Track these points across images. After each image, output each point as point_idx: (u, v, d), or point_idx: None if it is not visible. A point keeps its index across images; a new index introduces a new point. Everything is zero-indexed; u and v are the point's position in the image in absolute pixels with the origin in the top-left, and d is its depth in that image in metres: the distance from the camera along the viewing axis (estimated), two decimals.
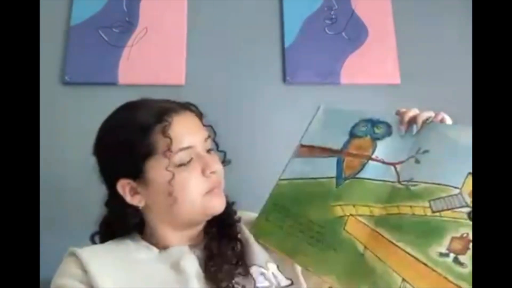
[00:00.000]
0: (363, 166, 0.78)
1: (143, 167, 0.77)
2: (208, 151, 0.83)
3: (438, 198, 0.66)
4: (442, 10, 1.50)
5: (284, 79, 1.41)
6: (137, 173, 0.78)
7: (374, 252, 0.67)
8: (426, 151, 0.73)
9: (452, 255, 0.60)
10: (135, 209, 0.81)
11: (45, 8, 1.36)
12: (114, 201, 0.81)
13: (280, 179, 0.88)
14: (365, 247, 0.69)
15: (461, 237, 0.60)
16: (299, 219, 0.79)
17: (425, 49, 1.46)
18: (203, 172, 0.79)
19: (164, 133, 0.76)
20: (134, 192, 0.79)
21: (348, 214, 0.74)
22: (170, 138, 0.76)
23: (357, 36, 1.45)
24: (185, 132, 0.79)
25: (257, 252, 0.83)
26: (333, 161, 0.82)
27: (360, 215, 0.73)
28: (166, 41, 1.39)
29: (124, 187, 0.79)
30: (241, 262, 0.81)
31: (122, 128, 0.79)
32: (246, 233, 0.87)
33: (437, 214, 0.64)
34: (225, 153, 0.88)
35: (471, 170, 0.63)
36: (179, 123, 0.79)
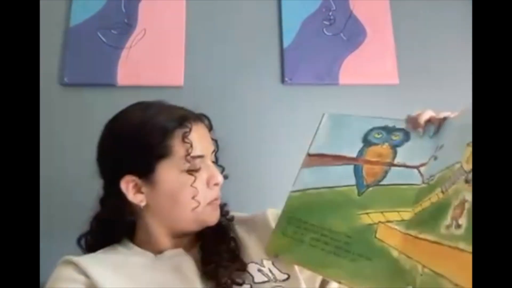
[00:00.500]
0: (385, 172, 0.77)
1: (155, 167, 0.78)
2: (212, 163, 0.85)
3: (447, 180, 0.66)
4: (441, 10, 1.50)
5: (283, 80, 1.40)
6: (146, 172, 0.79)
7: (408, 254, 0.66)
8: (441, 146, 0.74)
9: (454, 223, 0.60)
10: (133, 208, 0.81)
11: (43, 9, 1.35)
12: (113, 197, 0.81)
13: (291, 192, 0.86)
14: (400, 252, 0.67)
15: (460, 203, 0.61)
16: (320, 230, 0.77)
17: (424, 49, 1.46)
18: (208, 182, 0.81)
19: (184, 138, 0.78)
20: (137, 190, 0.80)
21: (377, 221, 0.73)
22: (191, 144, 0.78)
23: (355, 37, 1.44)
24: (200, 141, 0.81)
25: (252, 249, 0.84)
26: (349, 169, 0.81)
27: (390, 221, 0.71)
28: (165, 43, 1.39)
29: (128, 183, 0.79)
30: (237, 259, 0.81)
31: (142, 126, 0.80)
32: (239, 232, 0.88)
33: (445, 193, 0.65)
34: (223, 168, 0.89)
35: (468, 141, 0.64)
36: (196, 131, 0.81)
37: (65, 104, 1.33)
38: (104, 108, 0.89)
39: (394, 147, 0.80)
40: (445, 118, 0.77)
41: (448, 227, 0.61)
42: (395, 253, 0.68)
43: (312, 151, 0.89)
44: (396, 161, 0.78)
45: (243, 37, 1.44)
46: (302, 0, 1.46)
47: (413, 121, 0.80)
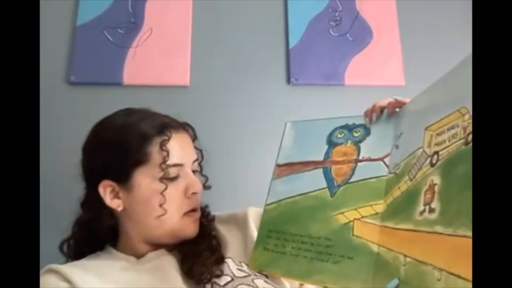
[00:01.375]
0: (353, 170, 0.78)
1: (132, 173, 0.79)
2: (194, 172, 0.85)
3: (412, 166, 0.66)
4: (447, 11, 1.49)
5: (289, 80, 1.41)
6: (123, 178, 0.79)
7: (388, 246, 0.65)
8: (400, 134, 0.75)
9: (427, 208, 0.59)
10: (112, 211, 0.82)
11: (50, 8, 1.37)
12: (92, 201, 0.82)
13: (266, 205, 0.85)
14: (379, 245, 0.67)
15: (429, 187, 0.60)
16: (300, 238, 0.76)
17: (430, 50, 1.45)
18: (185, 191, 0.81)
19: (162, 146, 0.79)
20: (114, 195, 0.80)
21: (352, 219, 0.73)
22: (168, 152, 0.78)
23: (361, 38, 1.44)
24: (179, 150, 0.81)
25: (232, 249, 0.84)
26: (318, 172, 0.81)
27: (365, 217, 0.72)
28: (171, 42, 1.40)
29: (105, 188, 0.80)
30: (217, 254, 0.81)
31: (123, 132, 0.81)
32: (220, 230, 0.89)
33: (414, 180, 0.65)
34: (207, 178, 0.90)
35: (426, 125, 0.66)
36: (175, 140, 0.81)
37: (71, 102, 1.34)
38: (110, 107, 0.89)
39: (357, 143, 0.81)
40: (403, 104, 0.79)
41: (421, 213, 0.60)
42: (375, 248, 0.67)
43: (281, 161, 0.89)
44: (361, 157, 0.79)
45: (249, 37, 1.44)
46: (308, 1, 1.46)
47: (370, 110, 0.82)
